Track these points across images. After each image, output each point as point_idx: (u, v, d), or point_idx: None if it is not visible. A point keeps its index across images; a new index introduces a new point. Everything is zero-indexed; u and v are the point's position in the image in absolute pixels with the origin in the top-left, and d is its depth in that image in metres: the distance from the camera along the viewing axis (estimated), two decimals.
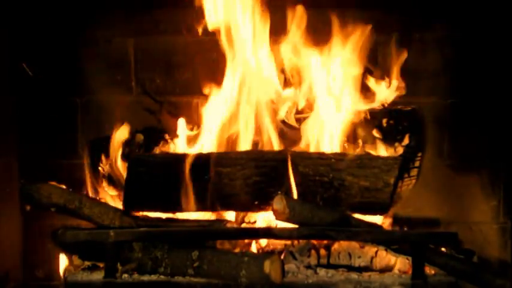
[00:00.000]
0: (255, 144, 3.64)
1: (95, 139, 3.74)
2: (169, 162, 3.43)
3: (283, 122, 3.67)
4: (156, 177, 3.41)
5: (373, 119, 3.60)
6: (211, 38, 3.73)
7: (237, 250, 3.38)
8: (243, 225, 3.52)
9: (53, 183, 3.44)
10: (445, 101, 3.91)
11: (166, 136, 3.74)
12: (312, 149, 3.61)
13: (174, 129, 3.74)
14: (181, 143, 3.68)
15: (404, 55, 3.68)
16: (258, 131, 3.65)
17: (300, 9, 3.67)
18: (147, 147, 3.71)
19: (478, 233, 3.89)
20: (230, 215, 3.53)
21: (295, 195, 3.40)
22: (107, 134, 3.65)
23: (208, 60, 3.80)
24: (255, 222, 3.55)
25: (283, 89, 3.71)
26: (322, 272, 3.31)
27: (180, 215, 3.46)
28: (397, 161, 3.37)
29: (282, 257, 3.30)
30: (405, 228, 3.59)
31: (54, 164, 3.89)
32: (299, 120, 3.67)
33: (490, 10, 3.83)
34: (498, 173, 3.89)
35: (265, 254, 3.31)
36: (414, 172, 3.52)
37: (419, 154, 3.54)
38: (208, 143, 3.65)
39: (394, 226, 3.57)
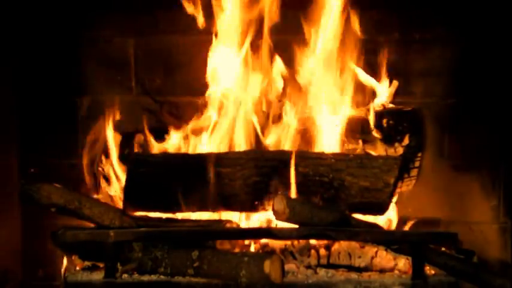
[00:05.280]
0: (255, 144, 3.65)
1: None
2: (169, 162, 3.44)
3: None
4: (156, 177, 3.41)
5: (373, 119, 3.61)
6: (211, 38, 3.74)
7: (237, 250, 3.38)
8: (243, 225, 3.52)
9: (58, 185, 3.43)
10: (445, 101, 3.90)
11: (166, 136, 3.74)
12: (312, 149, 3.62)
13: (174, 129, 3.74)
14: (182, 143, 3.69)
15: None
16: (258, 131, 3.66)
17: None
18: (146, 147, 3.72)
19: (478, 233, 3.89)
20: (230, 215, 3.53)
21: (295, 195, 3.40)
22: None
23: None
24: (255, 222, 3.55)
25: (283, 89, 3.72)
26: (322, 272, 3.31)
27: (180, 215, 3.46)
28: (397, 161, 3.37)
29: (282, 257, 3.30)
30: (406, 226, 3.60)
31: (54, 164, 3.89)
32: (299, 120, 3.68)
33: (490, 10, 3.83)
34: (498, 173, 3.89)
35: (265, 254, 3.31)
36: (414, 172, 3.52)
37: (419, 154, 3.55)
38: (208, 143, 3.65)
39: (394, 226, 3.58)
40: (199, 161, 3.40)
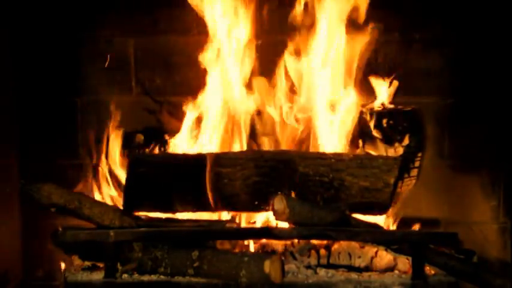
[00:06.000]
0: (255, 144, 3.65)
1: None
2: (169, 162, 3.44)
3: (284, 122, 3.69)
4: (156, 177, 3.41)
5: (373, 119, 3.61)
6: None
7: (237, 250, 3.38)
8: (243, 225, 3.52)
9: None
10: (445, 101, 3.91)
11: (166, 136, 3.74)
12: (312, 149, 3.62)
13: (174, 129, 3.74)
14: (182, 143, 3.69)
15: None
16: (257, 131, 3.67)
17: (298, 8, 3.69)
18: (147, 147, 3.72)
19: (478, 233, 3.89)
20: (230, 215, 3.53)
21: (295, 195, 3.40)
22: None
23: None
24: (254, 222, 3.55)
25: (283, 88, 3.72)
26: (322, 272, 3.31)
27: (180, 215, 3.46)
28: (397, 161, 3.37)
29: (282, 257, 3.30)
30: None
31: (54, 164, 3.90)
32: (299, 120, 3.68)
33: (490, 10, 3.84)
34: (498, 173, 3.89)
35: (265, 254, 3.31)
36: (414, 172, 3.52)
37: (420, 154, 3.54)
38: (208, 143, 3.65)
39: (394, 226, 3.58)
40: (199, 161, 3.40)
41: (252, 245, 3.42)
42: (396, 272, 3.34)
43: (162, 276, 3.25)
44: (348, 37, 3.68)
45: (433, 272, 3.29)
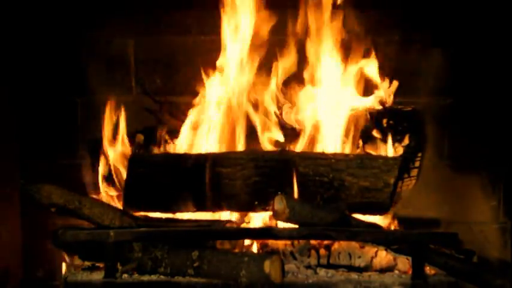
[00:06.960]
0: (255, 144, 3.65)
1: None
2: (169, 163, 3.44)
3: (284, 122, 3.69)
4: (156, 177, 3.41)
5: (373, 119, 3.61)
6: (211, 38, 3.75)
7: (237, 250, 3.38)
8: (243, 225, 3.52)
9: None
10: (445, 101, 3.91)
11: (166, 136, 3.75)
12: (312, 149, 3.62)
13: (174, 129, 3.74)
14: (181, 143, 3.69)
15: None
16: (258, 131, 3.67)
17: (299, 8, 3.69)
18: (147, 147, 3.72)
19: (478, 233, 3.89)
20: (230, 215, 3.53)
21: (295, 195, 3.39)
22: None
23: (208, 60, 3.79)
24: (255, 222, 3.55)
25: (284, 89, 3.72)
26: (322, 272, 3.31)
27: (180, 215, 3.46)
28: (397, 161, 3.38)
29: (282, 257, 3.30)
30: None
31: (54, 164, 3.90)
32: (299, 120, 3.68)
33: (490, 10, 3.84)
34: (498, 173, 3.89)
35: (265, 254, 3.31)
36: (414, 172, 3.52)
37: (419, 154, 3.55)
38: (208, 143, 3.65)
39: (395, 226, 3.58)
40: (199, 161, 3.40)
41: (250, 245, 3.42)
42: (396, 272, 3.34)
43: (162, 276, 3.25)
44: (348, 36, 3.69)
45: (433, 272, 3.30)
